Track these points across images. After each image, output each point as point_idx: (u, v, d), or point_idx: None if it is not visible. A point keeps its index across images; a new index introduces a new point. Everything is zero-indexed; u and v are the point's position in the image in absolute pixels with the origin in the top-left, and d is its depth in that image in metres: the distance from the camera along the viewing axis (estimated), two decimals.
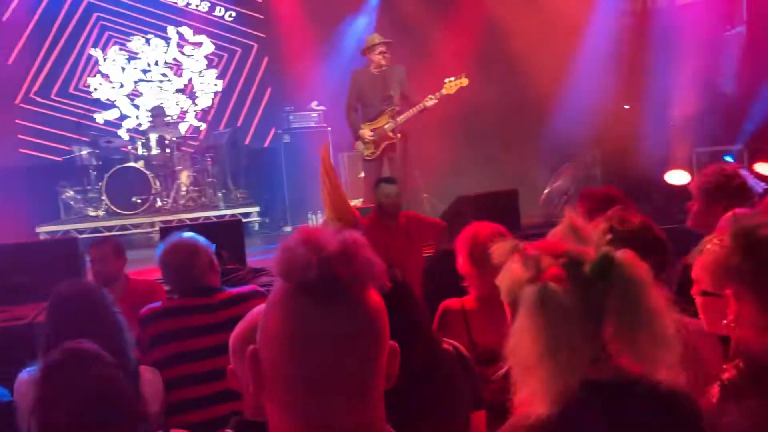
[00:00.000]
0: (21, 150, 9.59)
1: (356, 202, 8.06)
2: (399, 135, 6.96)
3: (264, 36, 10.47)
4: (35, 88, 9.81)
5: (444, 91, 6.79)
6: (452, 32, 9.02)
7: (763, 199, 3.08)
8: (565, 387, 1.25)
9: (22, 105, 9.72)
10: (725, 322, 1.58)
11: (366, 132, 6.96)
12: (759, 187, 3.05)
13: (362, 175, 7.78)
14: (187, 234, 2.88)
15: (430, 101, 6.76)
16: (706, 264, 1.68)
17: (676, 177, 6.97)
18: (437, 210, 7.16)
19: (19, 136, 9.63)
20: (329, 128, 8.76)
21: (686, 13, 8.86)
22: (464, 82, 6.82)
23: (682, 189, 3.38)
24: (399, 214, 4.82)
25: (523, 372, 1.29)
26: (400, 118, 6.88)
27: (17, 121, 9.61)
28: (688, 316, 1.91)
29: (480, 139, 8.96)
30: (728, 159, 6.78)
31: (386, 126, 6.93)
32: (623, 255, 1.29)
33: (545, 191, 7.45)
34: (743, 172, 3.10)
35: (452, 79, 6.82)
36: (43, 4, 9.75)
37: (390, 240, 4.55)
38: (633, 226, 1.99)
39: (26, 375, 2.48)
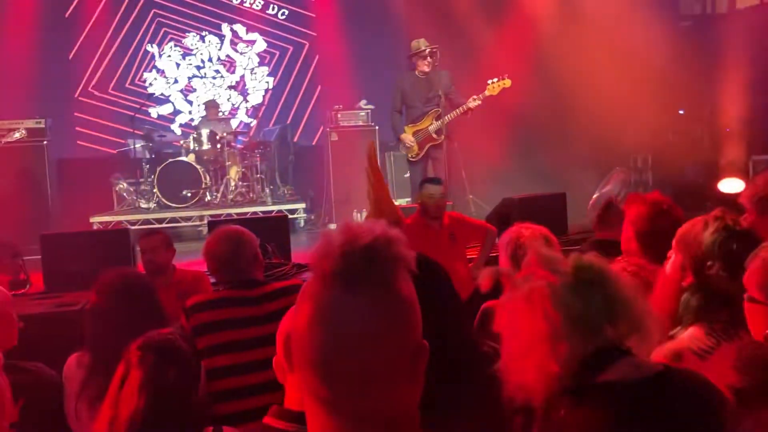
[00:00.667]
0: (79, 142, 9.90)
1: (402, 202, 8.08)
2: (443, 136, 7.00)
3: (315, 35, 10.58)
4: (93, 82, 10.11)
5: (487, 93, 6.83)
6: (500, 35, 8.95)
7: None
8: (555, 372, 1.32)
9: (80, 98, 10.03)
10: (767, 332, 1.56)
11: (408, 135, 7.05)
12: None
13: (407, 175, 7.84)
14: (234, 226, 2.92)
15: (474, 102, 6.81)
16: (753, 271, 1.68)
17: (730, 185, 6.78)
18: (483, 212, 7.12)
19: (77, 128, 9.94)
20: (377, 127, 8.79)
21: (746, 17, 8.61)
22: (507, 83, 6.83)
23: (736, 198, 3.31)
24: (443, 214, 4.81)
25: (514, 357, 1.37)
26: (444, 120, 6.94)
27: (76, 114, 9.92)
28: None
29: (528, 142, 8.87)
30: None
31: (430, 127, 7.01)
32: (592, 256, 1.41)
33: (594, 196, 7.32)
34: None
35: (495, 80, 6.85)
36: (104, 1, 10.04)
37: (433, 240, 4.55)
38: (742, 223, 1.99)
39: (75, 359, 2.56)
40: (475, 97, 6.82)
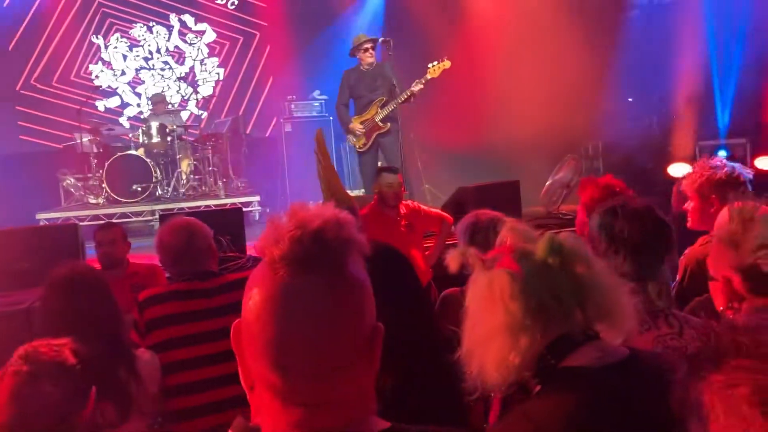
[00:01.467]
0: (21, 137, 9.58)
1: (357, 193, 8.05)
2: (388, 124, 7.01)
3: (266, 24, 10.44)
4: (36, 74, 9.79)
5: (428, 76, 6.85)
6: (449, 24, 8.96)
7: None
8: (516, 363, 1.30)
9: (22, 92, 9.71)
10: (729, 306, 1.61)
11: (356, 125, 7.06)
12: (746, 173, 3.05)
13: None
14: (185, 217, 2.85)
15: (416, 86, 6.83)
16: (710, 252, 1.72)
17: (679, 170, 6.94)
18: (438, 201, 7.14)
19: (20, 122, 9.61)
20: (331, 117, 8.73)
21: (692, 6, 8.81)
22: (447, 64, 6.87)
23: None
24: (400, 203, 4.79)
25: (474, 348, 1.33)
26: (389, 107, 6.96)
27: (18, 107, 9.59)
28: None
29: (482, 131, 8.92)
30: (722, 153, 6.75)
31: (375, 116, 7.02)
32: (567, 235, 1.36)
33: (547, 183, 7.41)
34: (728, 162, 3.10)
35: (435, 63, 6.88)
36: None
37: (389, 229, 4.53)
38: (637, 206, 1.99)
39: None
40: (417, 80, 6.84)
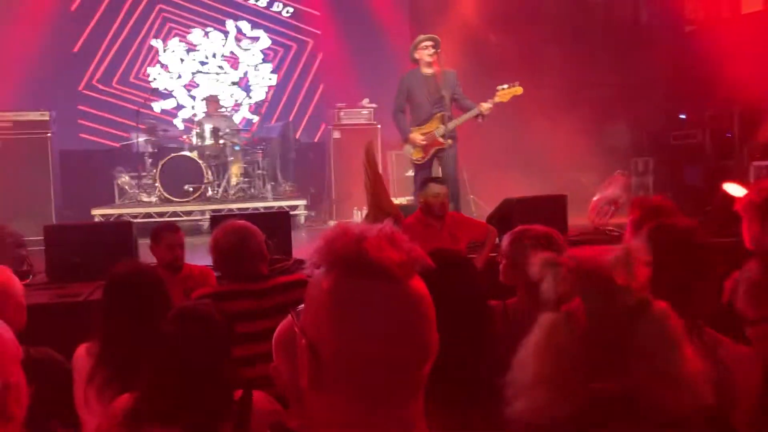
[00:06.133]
0: (81, 135, 9.93)
1: (403, 200, 8.11)
2: (450, 141, 6.52)
3: (319, 32, 10.61)
4: (98, 75, 10.14)
5: (497, 99, 6.43)
6: (504, 34, 8.95)
7: None
8: (557, 411, 1.22)
9: (84, 92, 10.06)
10: None
11: (417, 136, 6.58)
12: None
13: (410, 173, 7.62)
14: (240, 221, 2.95)
15: (485, 108, 6.40)
16: (745, 292, 1.66)
17: (735, 189, 6.76)
18: (483, 212, 7.13)
19: (80, 121, 9.96)
20: (379, 126, 8.82)
21: (750, 22, 8.64)
22: (518, 90, 6.45)
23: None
24: (445, 214, 4.83)
25: (522, 388, 1.27)
26: (452, 124, 6.51)
27: (79, 107, 9.94)
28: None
29: (529, 142, 8.89)
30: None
31: (436, 131, 6.56)
32: (660, 306, 1.22)
33: (594, 198, 7.35)
34: None
35: (505, 86, 6.46)
36: None
37: (434, 239, 4.56)
38: (678, 228, 1.96)
39: (84, 349, 2.59)
40: (484, 103, 6.41)
